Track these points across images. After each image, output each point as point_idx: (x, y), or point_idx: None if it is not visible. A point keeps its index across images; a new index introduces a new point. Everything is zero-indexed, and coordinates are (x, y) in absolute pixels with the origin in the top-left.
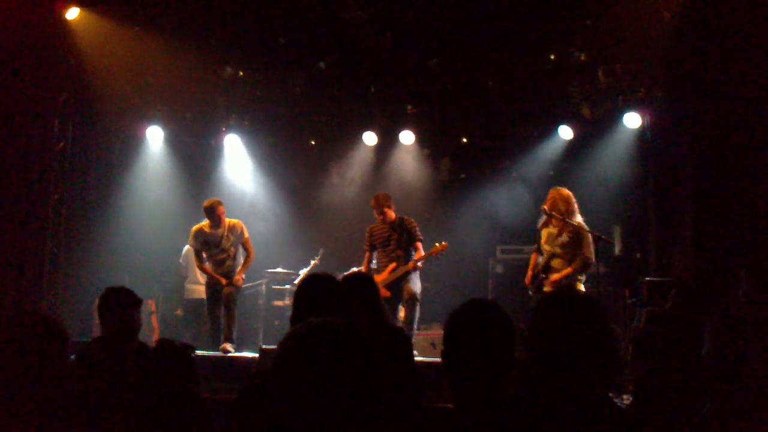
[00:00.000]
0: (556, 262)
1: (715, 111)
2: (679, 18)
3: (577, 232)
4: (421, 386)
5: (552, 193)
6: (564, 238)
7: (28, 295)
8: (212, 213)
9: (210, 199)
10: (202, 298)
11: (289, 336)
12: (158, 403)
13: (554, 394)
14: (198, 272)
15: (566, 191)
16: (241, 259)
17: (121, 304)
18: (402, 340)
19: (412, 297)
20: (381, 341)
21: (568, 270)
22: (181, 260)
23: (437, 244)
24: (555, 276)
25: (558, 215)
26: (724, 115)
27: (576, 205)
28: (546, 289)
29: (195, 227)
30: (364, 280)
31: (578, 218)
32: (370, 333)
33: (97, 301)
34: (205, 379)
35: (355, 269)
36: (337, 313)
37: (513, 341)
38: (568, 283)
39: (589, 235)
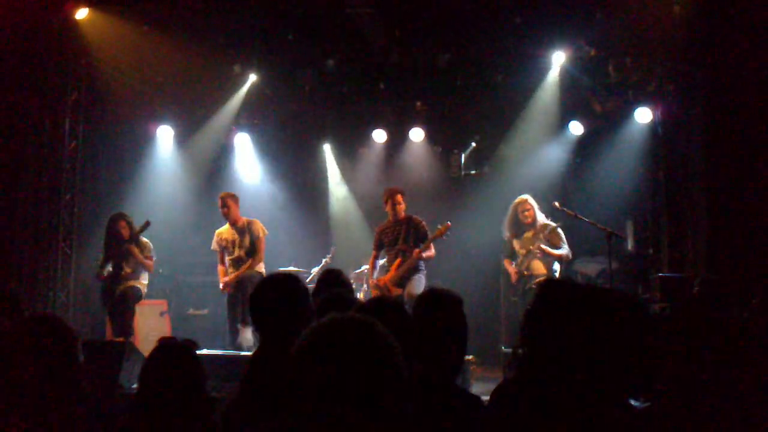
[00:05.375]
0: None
1: (726, 104)
2: (689, 11)
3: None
4: None
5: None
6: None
7: (40, 294)
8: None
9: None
10: None
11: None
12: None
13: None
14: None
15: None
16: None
17: None
18: None
19: (412, 299)
20: None
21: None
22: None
23: (440, 226)
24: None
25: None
26: (736, 109)
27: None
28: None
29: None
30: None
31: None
32: None
33: None
34: (217, 378)
35: (365, 267)
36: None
37: None
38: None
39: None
